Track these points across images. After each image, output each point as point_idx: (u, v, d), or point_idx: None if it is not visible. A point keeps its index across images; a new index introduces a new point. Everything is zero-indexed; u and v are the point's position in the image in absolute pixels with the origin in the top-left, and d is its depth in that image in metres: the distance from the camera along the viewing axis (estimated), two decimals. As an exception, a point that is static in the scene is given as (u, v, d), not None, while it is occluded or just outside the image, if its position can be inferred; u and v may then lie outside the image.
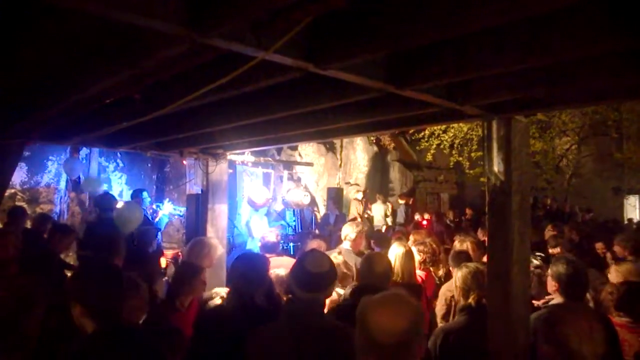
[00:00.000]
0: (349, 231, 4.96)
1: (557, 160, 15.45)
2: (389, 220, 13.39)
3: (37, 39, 2.61)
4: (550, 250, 6.22)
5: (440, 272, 5.32)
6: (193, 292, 3.64)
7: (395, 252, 4.16)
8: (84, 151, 10.38)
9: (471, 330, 3.30)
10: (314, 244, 5.25)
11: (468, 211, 14.66)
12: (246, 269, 2.99)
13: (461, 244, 5.37)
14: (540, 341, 2.92)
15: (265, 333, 2.38)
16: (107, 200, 6.78)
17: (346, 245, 4.88)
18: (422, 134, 15.21)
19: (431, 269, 5.06)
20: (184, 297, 3.59)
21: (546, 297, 3.99)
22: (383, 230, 10.43)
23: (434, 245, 5.25)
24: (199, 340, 2.94)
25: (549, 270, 3.50)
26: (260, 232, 7.29)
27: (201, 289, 3.70)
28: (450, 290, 4.29)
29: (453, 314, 4.24)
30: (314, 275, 2.36)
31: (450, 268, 4.75)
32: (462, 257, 4.54)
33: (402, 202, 15.03)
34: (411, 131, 15.04)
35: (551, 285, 3.43)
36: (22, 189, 9.95)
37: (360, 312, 1.69)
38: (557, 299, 3.42)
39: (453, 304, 4.26)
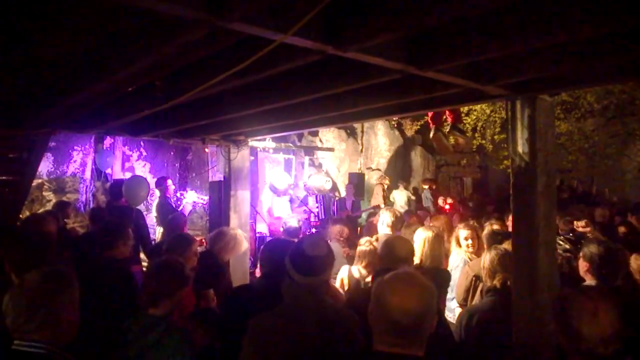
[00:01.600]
0: (387, 216, 4.90)
1: (583, 142, 15.10)
2: (411, 205, 13.32)
3: (60, 28, 2.64)
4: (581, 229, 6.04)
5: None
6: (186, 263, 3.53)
7: (423, 236, 4.09)
8: (107, 141, 10.53)
9: (496, 312, 3.27)
10: (336, 228, 5.22)
11: (489, 207, 14.34)
12: (273, 255, 3.01)
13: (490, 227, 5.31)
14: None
15: (266, 318, 2.36)
16: (118, 187, 6.85)
17: (386, 230, 4.80)
18: (444, 117, 15.03)
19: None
20: None
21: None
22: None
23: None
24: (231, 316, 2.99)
25: (581, 252, 3.39)
26: (283, 217, 7.32)
27: (194, 260, 3.63)
28: (473, 270, 4.25)
29: (472, 294, 4.20)
30: (311, 258, 2.34)
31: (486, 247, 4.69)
32: (497, 238, 4.48)
33: (426, 187, 14.90)
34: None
35: (583, 265, 3.33)
36: (49, 178, 10.14)
37: (376, 292, 1.78)
38: (588, 281, 3.30)
39: (473, 284, 4.21)
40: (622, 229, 6.29)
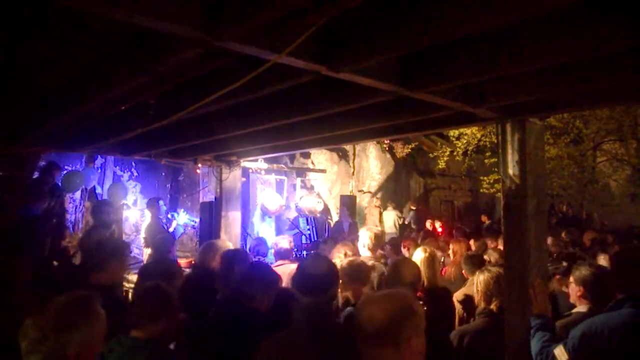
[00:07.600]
0: (366, 237, 4.81)
1: (572, 167, 15.25)
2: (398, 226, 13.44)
3: (54, 45, 2.65)
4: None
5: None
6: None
7: (418, 258, 4.04)
8: (99, 161, 10.48)
9: (488, 334, 3.25)
10: (341, 249, 5.00)
11: (484, 218, 14.61)
12: (251, 275, 3.02)
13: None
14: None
15: (275, 340, 2.32)
16: (99, 206, 6.69)
17: (366, 252, 4.67)
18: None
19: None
20: None
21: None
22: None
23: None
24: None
25: (571, 277, 3.29)
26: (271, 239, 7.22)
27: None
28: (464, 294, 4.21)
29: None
30: (311, 277, 2.32)
31: (464, 272, 4.67)
32: (476, 261, 4.48)
33: (413, 208, 15.03)
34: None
35: (575, 290, 3.22)
36: (39, 198, 10.02)
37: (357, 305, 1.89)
38: (580, 307, 3.21)
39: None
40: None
